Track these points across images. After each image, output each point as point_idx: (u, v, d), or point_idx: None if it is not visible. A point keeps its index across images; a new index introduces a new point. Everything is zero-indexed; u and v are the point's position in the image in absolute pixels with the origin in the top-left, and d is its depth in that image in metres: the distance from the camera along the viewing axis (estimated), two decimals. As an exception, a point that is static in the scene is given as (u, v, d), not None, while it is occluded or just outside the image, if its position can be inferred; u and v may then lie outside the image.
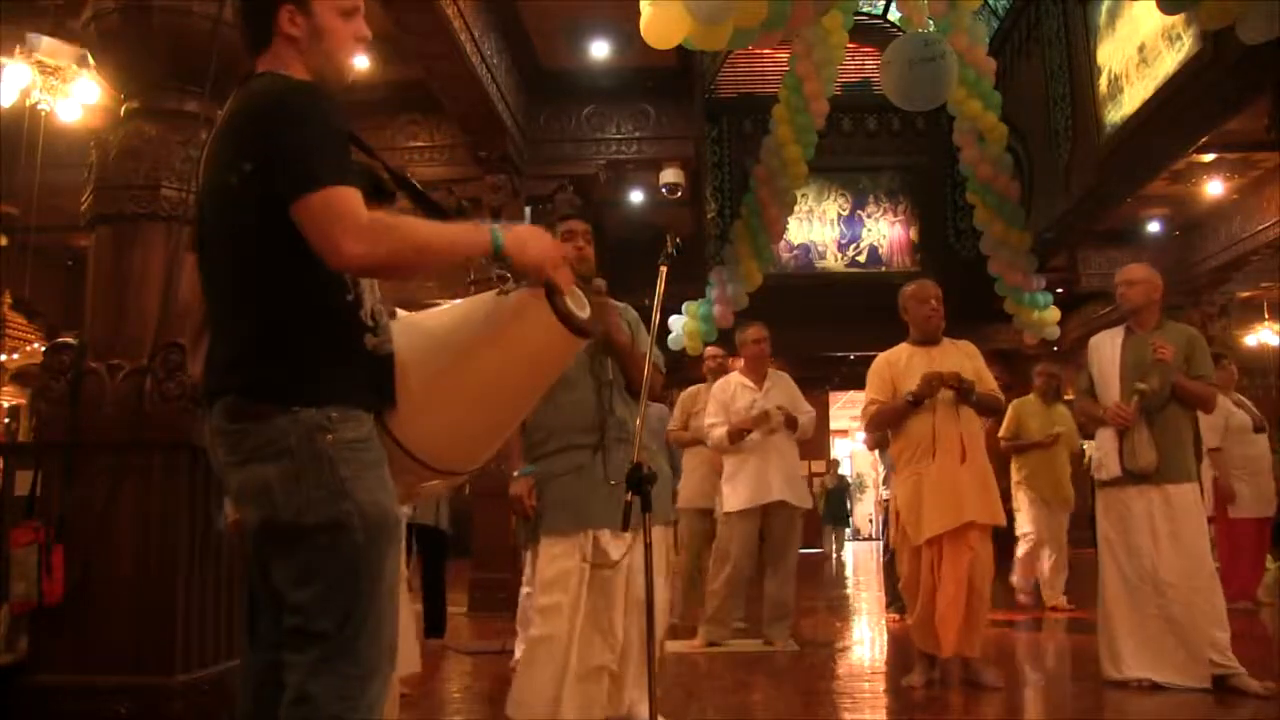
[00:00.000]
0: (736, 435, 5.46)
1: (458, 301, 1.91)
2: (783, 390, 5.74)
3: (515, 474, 3.24)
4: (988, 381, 4.38)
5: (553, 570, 3.11)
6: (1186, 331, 4.39)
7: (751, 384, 5.71)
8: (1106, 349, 4.40)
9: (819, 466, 16.91)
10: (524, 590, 4.93)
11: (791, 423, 5.59)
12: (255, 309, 1.67)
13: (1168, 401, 4.18)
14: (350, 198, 1.58)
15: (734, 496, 5.57)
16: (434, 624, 5.70)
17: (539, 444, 3.26)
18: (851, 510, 18.37)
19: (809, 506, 5.76)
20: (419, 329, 1.85)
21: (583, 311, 1.77)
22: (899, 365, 4.41)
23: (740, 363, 6.02)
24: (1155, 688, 4.04)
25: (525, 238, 1.73)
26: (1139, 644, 4.12)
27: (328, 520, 1.61)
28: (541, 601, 3.12)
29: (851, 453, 22.46)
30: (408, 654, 4.22)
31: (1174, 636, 4.05)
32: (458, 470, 1.93)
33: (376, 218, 1.60)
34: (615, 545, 3.13)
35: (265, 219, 1.61)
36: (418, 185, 1.92)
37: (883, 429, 4.69)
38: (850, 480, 18.98)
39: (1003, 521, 4.33)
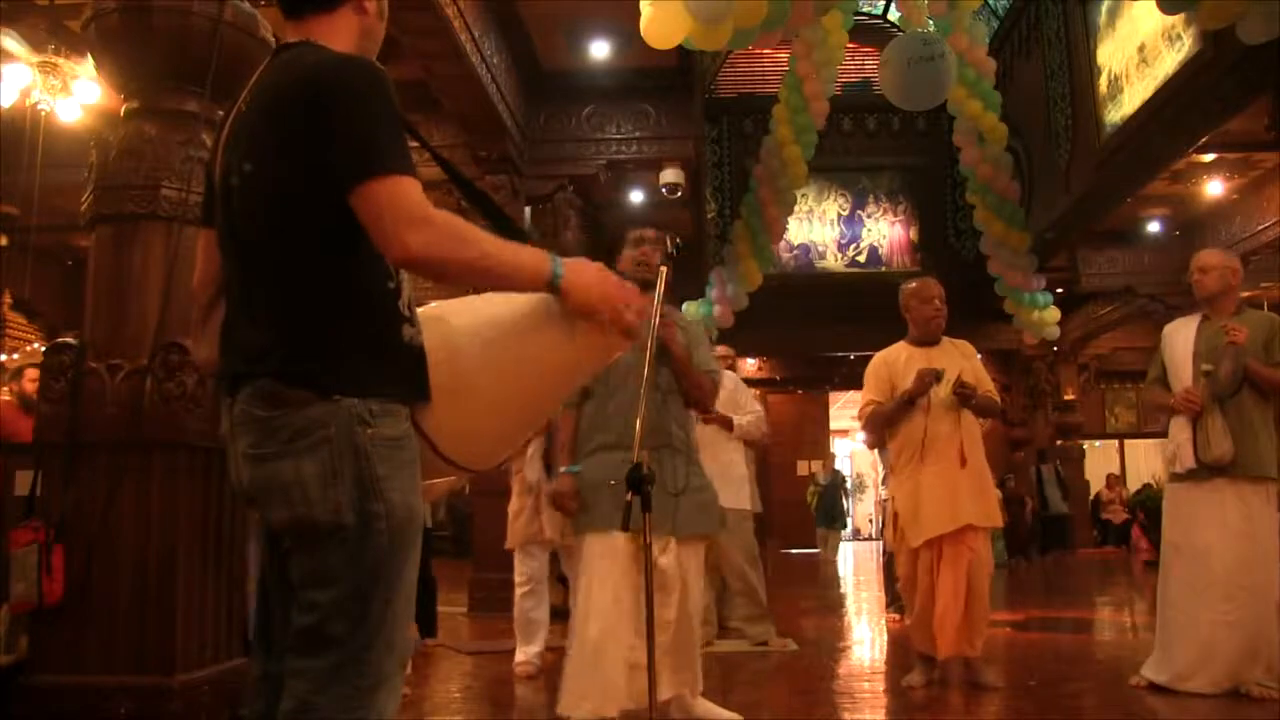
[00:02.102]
0: None
1: (489, 295, 1.82)
2: (723, 390, 5.64)
3: (563, 470, 3.31)
4: (985, 383, 4.33)
5: (600, 567, 3.19)
6: (1268, 318, 4.17)
7: None
8: (1180, 337, 4.24)
9: (817, 466, 16.68)
10: (519, 590, 4.93)
11: (725, 423, 5.47)
12: (295, 291, 1.57)
13: (1240, 386, 3.98)
14: (416, 188, 1.51)
15: None
16: (425, 625, 5.70)
17: (584, 443, 3.34)
18: (848, 510, 17.11)
19: (748, 507, 5.58)
20: (453, 322, 1.77)
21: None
22: (896, 365, 4.35)
23: (741, 361, 5.98)
24: (1156, 688, 4.03)
25: (588, 281, 1.65)
26: (1198, 653, 3.94)
27: (357, 520, 1.53)
28: (594, 599, 3.18)
29: (851, 453, 22.47)
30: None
31: (1235, 642, 3.88)
32: (479, 468, 1.87)
33: (447, 216, 1.52)
34: (657, 546, 3.21)
35: (312, 198, 1.53)
36: (475, 185, 1.87)
37: (880, 430, 4.61)
38: (846, 477, 17.55)
39: (999, 523, 4.29)
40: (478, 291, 1.86)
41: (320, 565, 1.54)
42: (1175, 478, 4.17)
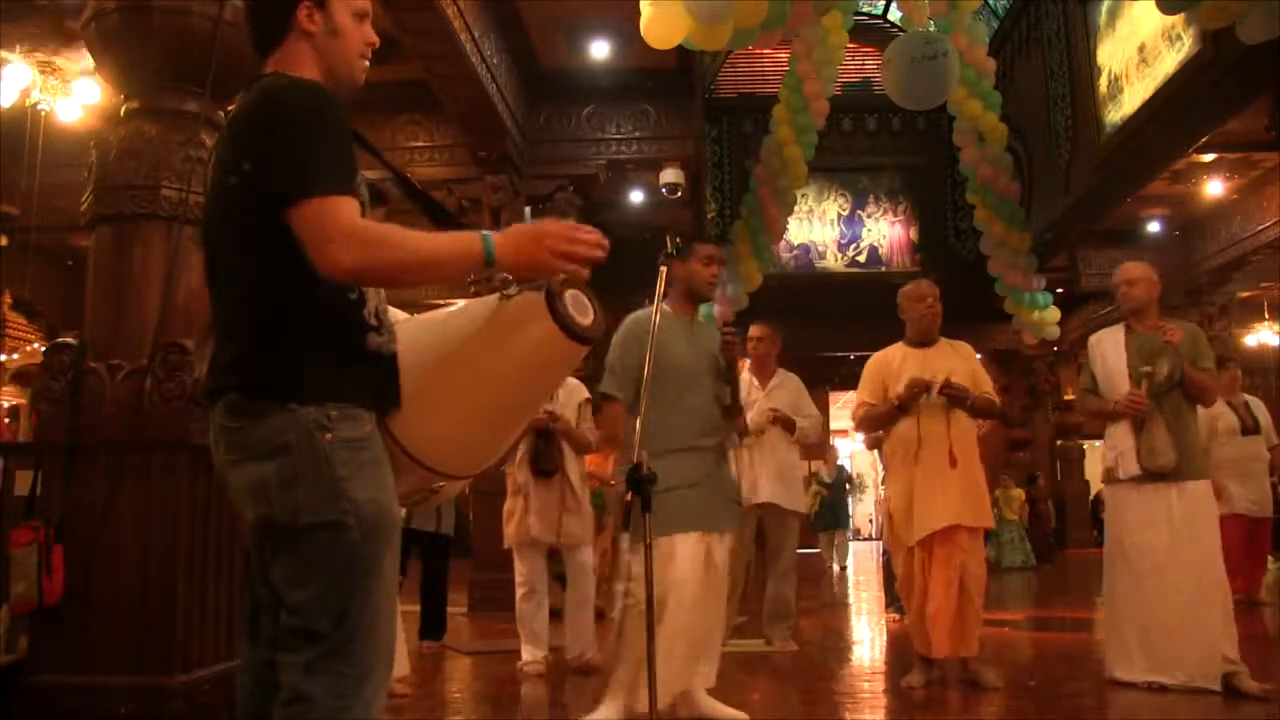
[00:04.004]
0: None
1: (459, 304, 1.91)
2: (787, 392, 5.68)
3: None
4: (982, 384, 4.34)
5: (683, 569, 3.31)
6: (1188, 327, 4.36)
7: (757, 384, 5.68)
8: (1109, 345, 4.37)
9: (818, 466, 16.45)
10: (520, 591, 4.93)
11: (788, 424, 5.53)
12: (257, 307, 1.67)
13: (1174, 386, 4.13)
14: (342, 206, 1.58)
15: None
16: (433, 627, 5.70)
17: (649, 443, 3.35)
18: (852, 511, 16.21)
19: (802, 510, 5.69)
20: (420, 331, 1.85)
21: (584, 318, 1.74)
22: (891, 366, 4.38)
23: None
24: (1163, 689, 4.03)
25: (519, 245, 1.68)
26: (1150, 645, 4.06)
27: (324, 519, 1.61)
28: (676, 598, 3.29)
29: (851, 453, 22.47)
30: (397, 656, 4.22)
31: (1186, 636, 4.00)
32: (460, 474, 1.91)
33: (368, 227, 1.60)
34: (720, 547, 3.47)
35: (265, 219, 1.60)
36: (419, 187, 1.91)
37: (872, 431, 4.67)
38: (852, 475, 16.57)
39: (991, 524, 4.32)
40: (479, 293, 1.90)
41: (296, 565, 1.63)
42: (1115, 481, 4.29)
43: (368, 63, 1.84)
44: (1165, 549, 4.08)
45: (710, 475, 3.47)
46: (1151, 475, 4.13)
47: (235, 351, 1.68)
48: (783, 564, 5.63)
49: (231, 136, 1.70)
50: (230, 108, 1.83)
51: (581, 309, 1.74)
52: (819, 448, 17.75)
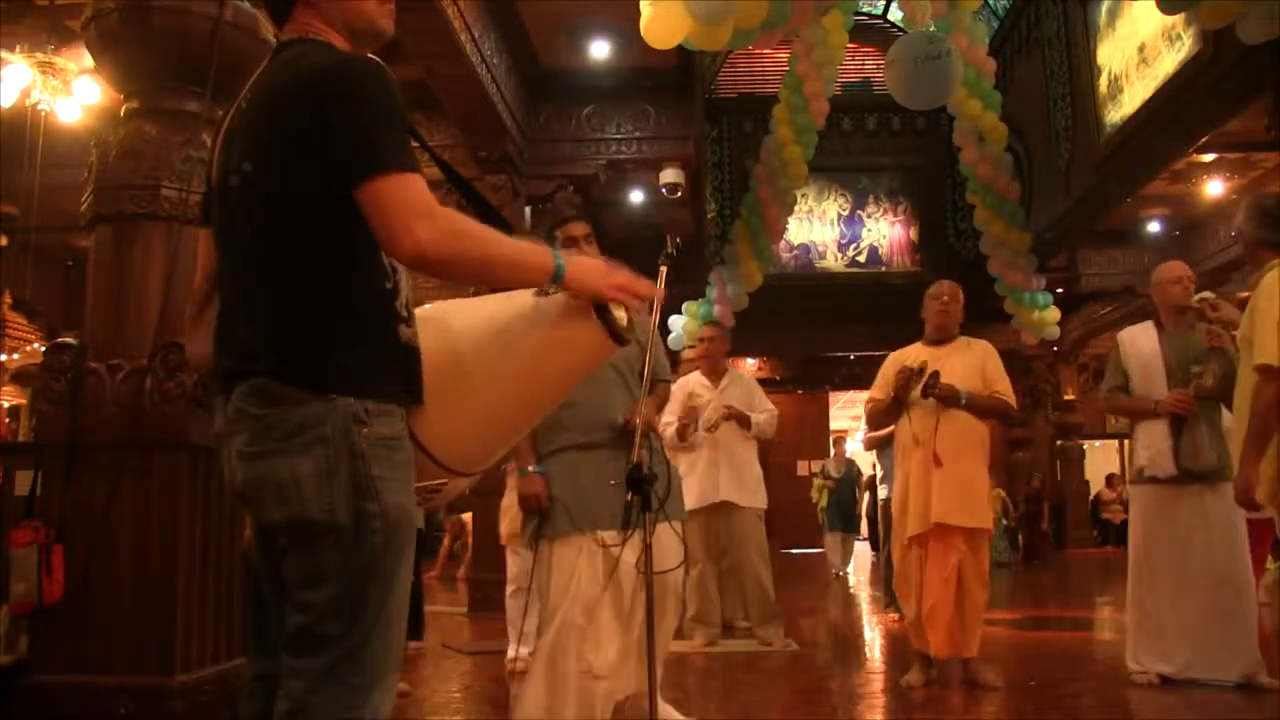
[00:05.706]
0: (680, 433, 5.43)
1: (484, 298, 1.84)
2: (740, 389, 5.68)
3: (529, 469, 3.21)
4: (994, 383, 4.28)
5: (564, 572, 3.11)
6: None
7: (708, 383, 5.68)
8: (1144, 343, 4.31)
9: (818, 466, 16.31)
10: (509, 588, 4.93)
11: (743, 420, 5.52)
12: (292, 290, 1.55)
13: (1222, 389, 4.02)
14: (422, 185, 1.50)
15: (686, 496, 5.56)
16: (413, 626, 5.67)
17: (545, 443, 3.25)
18: (861, 512, 14.30)
19: (761, 506, 5.63)
20: (446, 325, 1.76)
21: (623, 320, 1.73)
22: (901, 364, 4.40)
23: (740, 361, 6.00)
24: (1165, 684, 4.05)
25: (589, 267, 1.67)
26: (1185, 643, 4.06)
27: (352, 520, 1.52)
28: (554, 603, 3.09)
29: (851, 453, 22.44)
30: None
31: (1221, 632, 4.01)
32: (471, 471, 1.86)
33: (451, 213, 1.52)
34: (624, 542, 3.14)
35: (311, 198, 1.52)
36: (469, 182, 1.87)
37: (877, 428, 4.67)
38: (862, 471, 14.56)
39: (987, 524, 4.25)
40: (479, 293, 1.86)
41: (314, 565, 1.53)
42: (1147, 481, 4.23)
43: (392, 5, 1.73)
44: (1198, 550, 4.06)
45: (603, 472, 3.16)
46: (1189, 476, 4.08)
47: (263, 333, 1.55)
48: (750, 566, 5.55)
49: (272, 107, 1.57)
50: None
51: (618, 311, 1.75)
52: (818, 446, 17.87)
